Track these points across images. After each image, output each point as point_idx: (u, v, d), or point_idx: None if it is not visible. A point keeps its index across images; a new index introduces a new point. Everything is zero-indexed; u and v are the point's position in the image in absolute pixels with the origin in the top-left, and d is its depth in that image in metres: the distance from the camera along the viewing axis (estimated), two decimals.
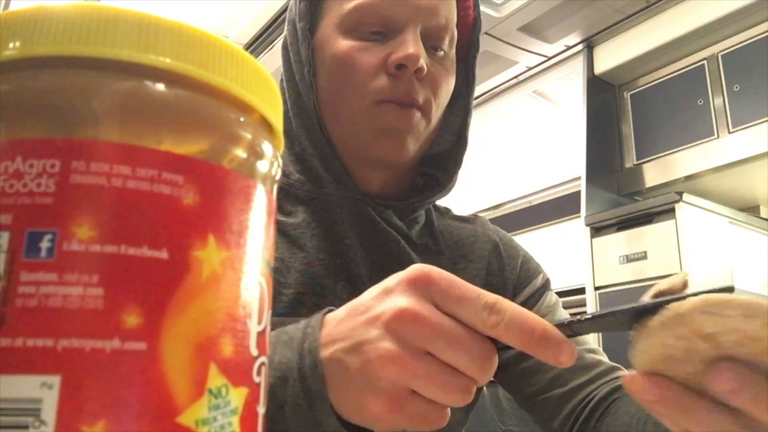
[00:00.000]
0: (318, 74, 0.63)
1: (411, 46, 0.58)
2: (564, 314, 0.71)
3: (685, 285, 0.31)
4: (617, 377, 0.63)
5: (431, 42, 0.62)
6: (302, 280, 0.59)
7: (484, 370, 0.33)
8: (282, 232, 0.61)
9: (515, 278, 0.70)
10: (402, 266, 0.62)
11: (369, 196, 0.64)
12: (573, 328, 0.33)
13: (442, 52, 0.64)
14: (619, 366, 0.65)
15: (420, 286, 0.34)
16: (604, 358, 0.66)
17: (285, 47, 0.68)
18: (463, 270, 0.68)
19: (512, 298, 0.69)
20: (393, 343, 0.33)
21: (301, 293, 0.58)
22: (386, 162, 0.63)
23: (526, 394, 0.66)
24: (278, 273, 0.58)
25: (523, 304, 0.68)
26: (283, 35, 0.69)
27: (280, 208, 0.63)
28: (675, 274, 0.31)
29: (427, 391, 0.33)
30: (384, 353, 0.33)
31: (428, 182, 0.70)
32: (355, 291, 0.60)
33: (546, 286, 0.72)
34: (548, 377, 0.64)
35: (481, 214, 0.80)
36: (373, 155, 0.62)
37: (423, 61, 0.59)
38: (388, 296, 0.35)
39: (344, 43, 0.61)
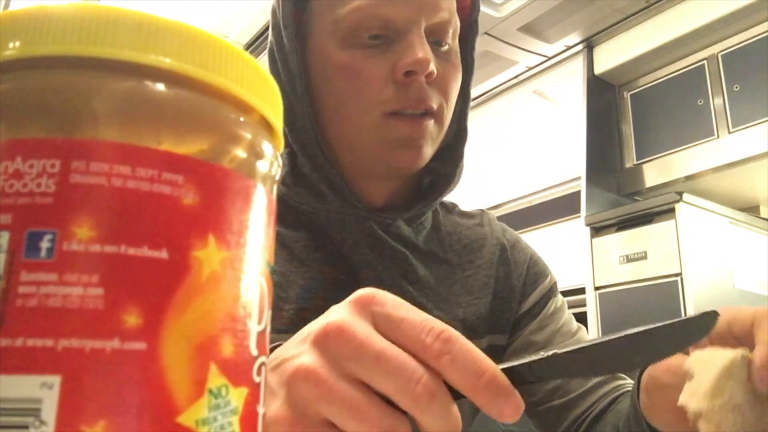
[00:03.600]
0: (314, 86, 0.59)
1: (419, 49, 0.54)
2: (569, 317, 0.70)
3: None
4: (618, 386, 0.63)
5: (435, 38, 0.58)
6: (304, 296, 0.57)
7: (421, 401, 0.27)
8: (283, 244, 0.59)
9: (521, 285, 0.69)
10: (411, 283, 0.62)
11: (375, 211, 0.61)
12: (535, 371, 0.28)
13: (447, 46, 0.59)
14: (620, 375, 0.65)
15: (362, 305, 0.30)
16: None
17: (272, 55, 0.62)
18: (472, 277, 0.67)
19: (518, 306, 0.68)
20: (313, 357, 0.28)
21: (303, 309, 0.56)
22: (401, 171, 0.60)
23: (527, 404, 0.66)
24: (279, 288, 0.56)
25: (529, 311, 0.68)
26: (268, 41, 0.63)
27: (281, 219, 0.60)
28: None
29: (342, 422, 0.27)
30: (300, 368, 0.28)
31: (435, 180, 0.67)
32: None
33: (552, 290, 0.71)
34: (548, 388, 0.64)
35: None
36: (387, 166, 0.59)
37: (433, 65, 0.55)
38: (327, 316, 0.31)
39: (345, 53, 0.56)
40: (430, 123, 0.57)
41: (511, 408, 0.27)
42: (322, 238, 0.60)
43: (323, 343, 0.29)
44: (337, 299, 0.57)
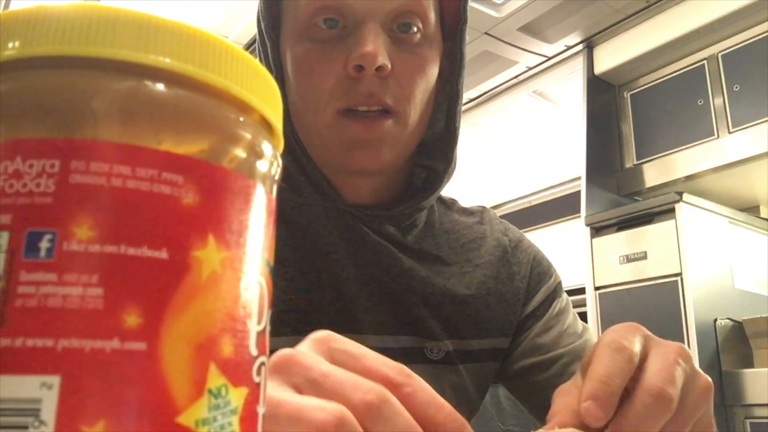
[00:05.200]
0: (286, 80, 0.58)
1: (368, 43, 0.51)
2: (575, 317, 0.69)
3: None
4: None
5: (400, 26, 0.54)
6: (284, 297, 0.55)
7: (372, 407, 0.27)
8: None
9: (525, 286, 0.67)
10: (394, 278, 0.60)
11: (357, 206, 0.59)
12: None
13: (418, 35, 0.55)
14: None
15: (320, 342, 0.31)
16: None
17: (257, 49, 0.62)
18: (470, 275, 0.64)
19: (522, 308, 0.66)
20: (276, 385, 0.29)
21: (283, 311, 0.54)
22: (361, 173, 0.58)
23: (536, 406, 0.65)
24: None
25: (533, 313, 0.66)
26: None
27: None
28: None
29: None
30: (279, 400, 0.28)
31: (429, 177, 0.64)
32: (344, 307, 0.57)
33: (557, 290, 0.69)
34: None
35: None
36: (347, 167, 0.57)
37: (383, 59, 0.51)
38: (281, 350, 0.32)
39: (300, 47, 0.55)
40: (388, 123, 0.54)
41: None
42: (302, 236, 0.58)
43: (276, 371, 0.29)
44: (318, 300, 0.57)
